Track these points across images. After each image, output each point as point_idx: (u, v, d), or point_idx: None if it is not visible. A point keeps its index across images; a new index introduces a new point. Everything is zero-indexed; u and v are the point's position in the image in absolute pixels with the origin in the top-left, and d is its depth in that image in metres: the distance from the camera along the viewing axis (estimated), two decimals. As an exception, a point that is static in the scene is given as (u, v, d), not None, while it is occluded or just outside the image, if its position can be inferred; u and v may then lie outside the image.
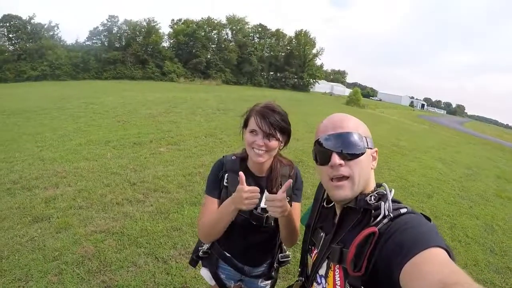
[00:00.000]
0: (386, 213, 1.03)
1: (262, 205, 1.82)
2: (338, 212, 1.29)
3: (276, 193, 1.62)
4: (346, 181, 1.17)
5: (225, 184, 1.92)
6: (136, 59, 52.27)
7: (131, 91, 25.88)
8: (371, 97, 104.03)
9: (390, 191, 1.12)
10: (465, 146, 20.55)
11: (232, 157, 1.99)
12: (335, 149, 1.17)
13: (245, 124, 1.88)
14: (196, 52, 57.21)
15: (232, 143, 10.16)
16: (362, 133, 1.21)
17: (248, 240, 2.01)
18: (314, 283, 1.33)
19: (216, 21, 61.89)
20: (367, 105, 42.90)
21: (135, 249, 4.25)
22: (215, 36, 62.03)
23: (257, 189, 1.66)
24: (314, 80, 69.20)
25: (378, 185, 1.21)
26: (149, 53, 54.18)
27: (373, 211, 1.08)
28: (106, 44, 53.13)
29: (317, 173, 1.30)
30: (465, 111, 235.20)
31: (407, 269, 0.85)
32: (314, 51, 68.25)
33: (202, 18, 61.87)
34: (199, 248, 2.16)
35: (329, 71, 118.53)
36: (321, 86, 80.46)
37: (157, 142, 9.73)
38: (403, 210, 1.03)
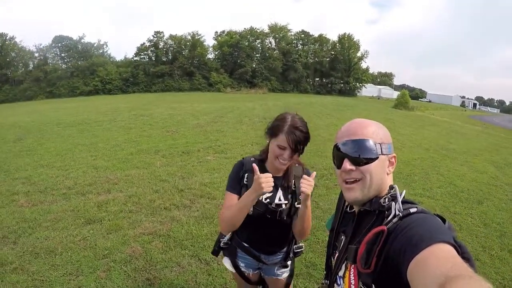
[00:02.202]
0: (397, 212, 1.07)
1: (277, 201, 2.13)
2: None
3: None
4: (356, 184, 1.23)
5: (245, 182, 2.15)
6: (183, 71, 53.75)
7: (179, 102, 26.43)
8: (420, 99, 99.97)
9: (401, 193, 1.15)
10: None
11: (251, 159, 2.21)
12: (348, 154, 1.23)
13: (272, 134, 2.06)
14: (241, 62, 57.98)
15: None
16: (377, 139, 1.23)
17: (264, 232, 2.22)
18: (335, 285, 1.37)
19: (258, 31, 62.29)
20: (416, 107, 41.15)
21: (180, 250, 4.39)
22: (258, 45, 62.48)
23: (270, 174, 1.92)
24: (360, 84, 67.76)
25: (391, 187, 1.22)
26: (195, 65, 55.61)
27: (386, 212, 1.12)
28: (154, 59, 55.25)
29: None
30: None
31: (413, 264, 0.87)
32: (358, 54, 66.73)
33: (244, 28, 62.54)
34: (221, 239, 2.38)
35: (376, 74, 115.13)
36: (368, 90, 78.09)
37: (204, 150, 9.92)
38: (412, 210, 1.06)
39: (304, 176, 1.99)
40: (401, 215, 1.05)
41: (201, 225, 5.14)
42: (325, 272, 1.54)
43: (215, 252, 2.44)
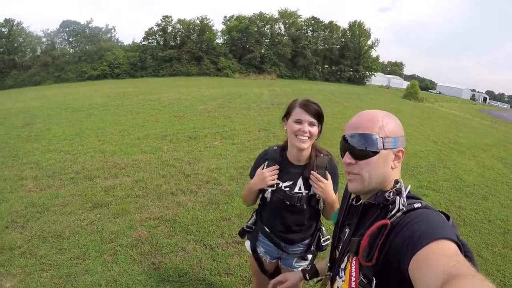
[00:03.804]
0: (401, 207, 1.07)
1: (297, 189, 2.15)
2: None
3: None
4: (356, 176, 1.26)
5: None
6: (191, 56, 53.72)
7: (187, 87, 26.38)
8: (429, 90, 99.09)
9: (406, 187, 1.16)
10: None
11: (275, 147, 2.27)
12: (349, 147, 1.26)
13: (287, 115, 2.13)
14: (250, 47, 57.64)
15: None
16: (381, 133, 1.22)
17: (285, 219, 2.23)
18: (337, 277, 1.37)
19: (268, 16, 61.88)
20: (425, 99, 40.73)
21: (185, 235, 4.44)
22: (268, 30, 62.02)
23: (273, 167, 2.16)
24: (370, 73, 67.20)
25: (396, 182, 1.22)
26: (204, 50, 55.52)
27: (390, 206, 1.12)
28: (162, 43, 55.26)
29: None
30: None
31: (415, 260, 0.87)
32: (369, 42, 66.21)
33: (254, 13, 62.27)
34: (247, 223, 2.48)
35: (386, 63, 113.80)
36: (378, 79, 77.24)
37: (211, 136, 9.94)
38: (416, 205, 1.07)
39: (313, 174, 2.10)
40: (405, 209, 1.05)
41: (207, 210, 5.18)
42: (329, 265, 1.54)
43: (241, 234, 2.53)
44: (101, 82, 39.75)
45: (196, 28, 56.39)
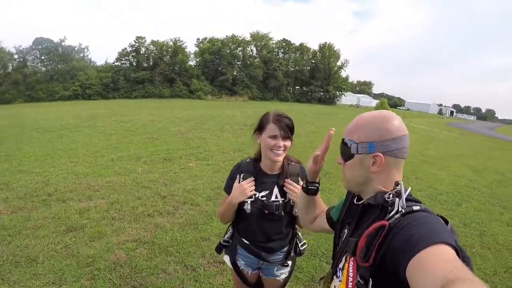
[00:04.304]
0: (399, 209, 1.07)
1: (273, 198, 2.23)
2: None
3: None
4: (343, 176, 1.37)
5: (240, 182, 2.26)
6: (164, 78, 53.62)
7: (160, 109, 26.42)
8: (398, 107, 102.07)
9: (406, 190, 1.16)
10: (496, 152, 19.99)
11: (247, 160, 2.34)
12: (340, 150, 1.35)
13: (260, 130, 2.21)
14: (222, 70, 58.26)
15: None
16: (356, 138, 1.27)
17: (265, 228, 2.28)
18: (334, 277, 1.38)
19: (240, 38, 62.81)
20: None
21: (165, 257, 4.34)
22: (240, 53, 62.93)
23: (250, 179, 2.23)
24: (340, 93, 69.28)
25: (397, 184, 1.20)
26: (177, 72, 55.66)
27: (389, 208, 1.11)
28: (135, 64, 54.88)
29: None
30: (496, 115, 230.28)
31: (413, 264, 0.87)
32: (339, 63, 68.58)
33: (226, 36, 62.99)
34: (223, 237, 2.47)
35: (355, 82, 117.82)
36: (348, 99, 79.68)
37: (186, 157, 9.89)
38: (415, 208, 1.07)
39: (286, 181, 2.22)
40: (403, 211, 1.06)
41: (186, 231, 5.09)
42: (332, 262, 1.53)
43: (218, 249, 2.50)
44: (73, 103, 39.08)
45: (169, 49, 56.36)
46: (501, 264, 5.02)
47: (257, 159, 2.32)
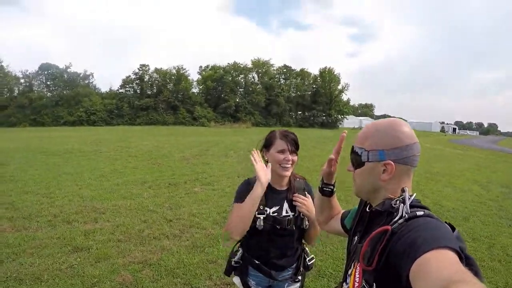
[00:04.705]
0: (403, 214, 1.08)
1: (284, 213, 2.24)
2: None
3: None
4: (354, 182, 1.38)
5: None
6: (168, 105, 53.93)
7: (164, 136, 26.56)
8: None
9: (411, 196, 1.17)
10: (501, 165, 20.06)
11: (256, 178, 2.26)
12: (350, 157, 1.37)
13: (267, 147, 2.27)
14: (225, 97, 58.52)
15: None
16: (367, 146, 1.28)
17: (276, 244, 2.28)
18: (344, 284, 1.38)
19: (242, 66, 63.39)
20: None
21: (172, 279, 4.28)
22: (242, 80, 63.28)
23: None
24: (342, 116, 69.67)
25: (403, 190, 1.21)
26: (180, 99, 55.96)
27: (394, 213, 1.12)
28: (138, 92, 55.28)
29: None
30: (498, 129, 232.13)
31: (416, 267, 0.87)
32: (339, 87, 68.91)
33: (228, 63, 63.55)
34: (231, 259, 2.41)
35: (356, 105, 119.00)
36: (350, 122, 79.34)
37: (191, 182, 9.84)
38: (419, 213, 1.07)
39: (295, 195, 2.25)
40: (407, 216, 1.06)
41: (192, 254, 5.03)
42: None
43: (227, 272, 2.45)
44: (77, 129, 39.39)
45: (173, 77, 56.84)
46: (512, 275, 5.03)
47: None
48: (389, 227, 1.05)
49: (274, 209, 2.23)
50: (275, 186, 2.29)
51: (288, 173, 2.22)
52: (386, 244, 1.03)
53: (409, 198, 1.14)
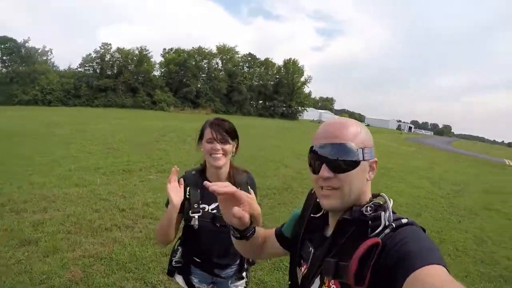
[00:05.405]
0: (387, 223, 1.01)
1: None
2: (331, 223, 1.25)
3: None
4: (334, 192, 1.13)
5: (187, 196, 2.15)
6: (127, 87, 52.21)
7: (122, 119, 26.03)
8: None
9: (389, 201, 1.10)
10: (453, 164, 21.01)
11: (192, 172, 2.27)
12: (327, 160, 1.12)
13: (201, 137, 2.18)
14: (186, 81, 57.32)
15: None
16: (359, 143, 1.12)
17: (217, 243, 2.20)
18: None
19: (206, 51, 62.18)
20: None
21: (124, 274, 4.24)
22: (205, 65, 62.24)
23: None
24: (302, 108, 70.07)
25: (375, 195, 1.18)
26: (140, 81, 54.28)
27: (370, 222, 1.05)
28: (98, 71, 52.83)
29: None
30: (452, 130, 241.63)
31: (410, 281, 0.85)
32: (302, 79, 69.26)
33: (193, 47, 62.09)
34: (172, 259, 2.35)
35: (317, 98, 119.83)
36: (310, 114, 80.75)
37: (146, 170, 9.76)
38: (404, 221, 1.02)
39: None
40: (394, 225, 1.00)
41: (145, 246, 5.00)
42: (290, 282, 1.42)
43: (170, 272, 2.37)
44: (32, 108, 37.78)
45: (135, 58, 54.98)
46: (462, 270, 5.33)
47: (203, 169, 2.28)
48: (379, 240, 0.96)
49: (213, 205, 2.15)
50: (213, 180, 2.07)
51: (220, 163, 2.10)
52: (377, 259, 0.95)
53: (390, 204, 1.08)
